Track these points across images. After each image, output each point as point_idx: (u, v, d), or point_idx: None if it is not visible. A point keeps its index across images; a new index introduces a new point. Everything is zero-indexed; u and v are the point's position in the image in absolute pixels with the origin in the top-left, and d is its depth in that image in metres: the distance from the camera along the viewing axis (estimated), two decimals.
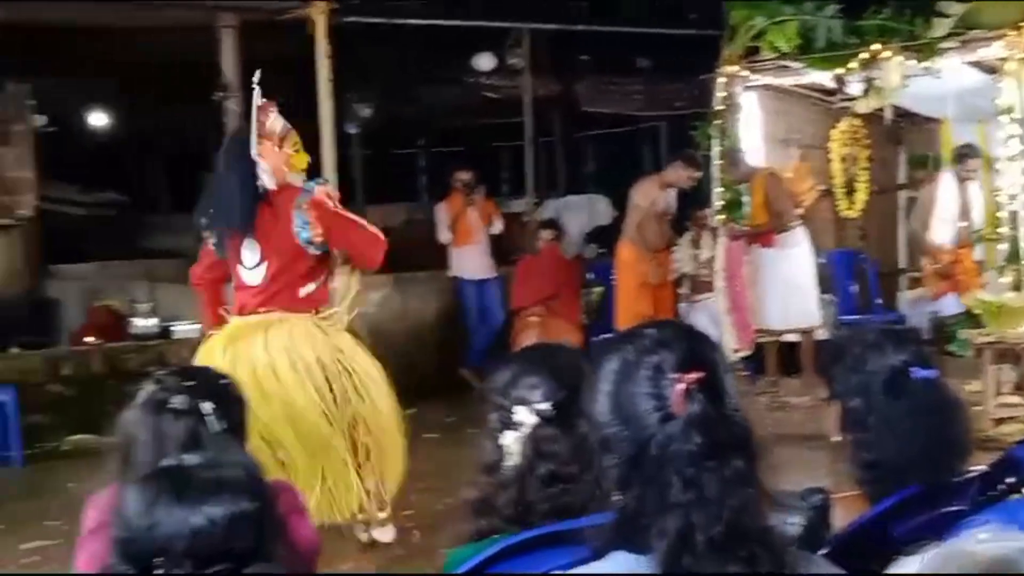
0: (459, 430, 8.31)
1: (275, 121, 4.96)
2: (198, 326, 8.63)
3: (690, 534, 1.52)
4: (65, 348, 8.68)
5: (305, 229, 4.81)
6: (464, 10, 10.56)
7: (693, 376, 1.58)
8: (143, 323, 8.60)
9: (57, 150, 11.35)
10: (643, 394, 1.61)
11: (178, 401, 2.16)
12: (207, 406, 2.17)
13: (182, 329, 8.64)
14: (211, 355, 4.73)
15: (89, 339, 8.57)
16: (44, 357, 8.26)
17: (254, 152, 4.87)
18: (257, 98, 4.93)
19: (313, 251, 4.88)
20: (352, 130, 12.34)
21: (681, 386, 1.57)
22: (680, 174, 8.89)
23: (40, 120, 10.78)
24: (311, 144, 8.90)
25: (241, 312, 4.89)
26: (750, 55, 8.46)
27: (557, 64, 11.88)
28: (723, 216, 8.51)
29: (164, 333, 8.62)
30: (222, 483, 1.51)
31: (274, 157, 4.92)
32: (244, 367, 4.57)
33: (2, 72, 10.31)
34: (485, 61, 11.31)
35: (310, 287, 4.91)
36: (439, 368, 9.83)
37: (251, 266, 4.86)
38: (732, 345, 8.22)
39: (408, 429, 8.34)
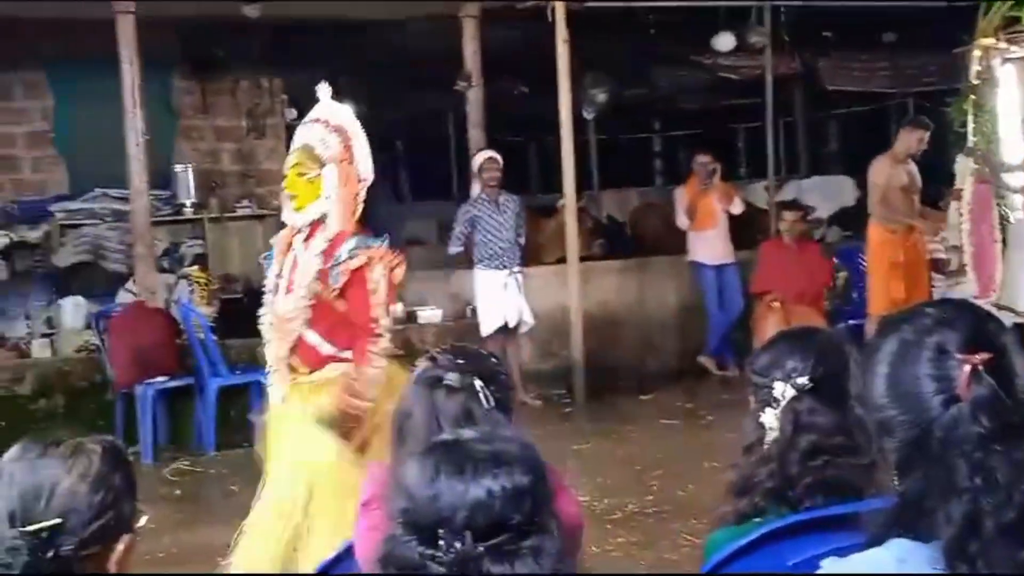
0: (698, 416, 8.25)
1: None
2: (440, 311, 8.86)
3: (979, 520, 1.45)
4: None
5: None
6: None
7: (980, 357, 1.50)
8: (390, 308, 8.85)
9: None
10: (925, 376, 1.54)
11: (452, 378, 2.22)
12: (479, 383, 2.22)
13: (426, 314, 8.86)
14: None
15: None
16: None
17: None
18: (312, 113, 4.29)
19: None
20: (588, 115, 12.37)
21: (967, 367, 1.50)
22: (909, 140, 8.55)
23: (291, 114, 11.27)
24: (550, 130, 9.03)
25: None
26: (1009, 26, 8.00)
27: (799, 41, 11.56)
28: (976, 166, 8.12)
29: (410, 318, 8.86)
30: (499, 456, 1.52)
31: None
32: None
33: (258, 68, 10.85)
34: (725, 41, 11.09)
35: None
36: (677, 354, 9.76)
37: None
38: (972, 294, 7.85)
39: (647, 415, 8.40)
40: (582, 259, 8.82)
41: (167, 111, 10.57)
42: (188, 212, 10.44)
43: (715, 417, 7.92)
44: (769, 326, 8.14)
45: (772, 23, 10.68)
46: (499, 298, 8.44)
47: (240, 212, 10.70)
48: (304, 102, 11.89)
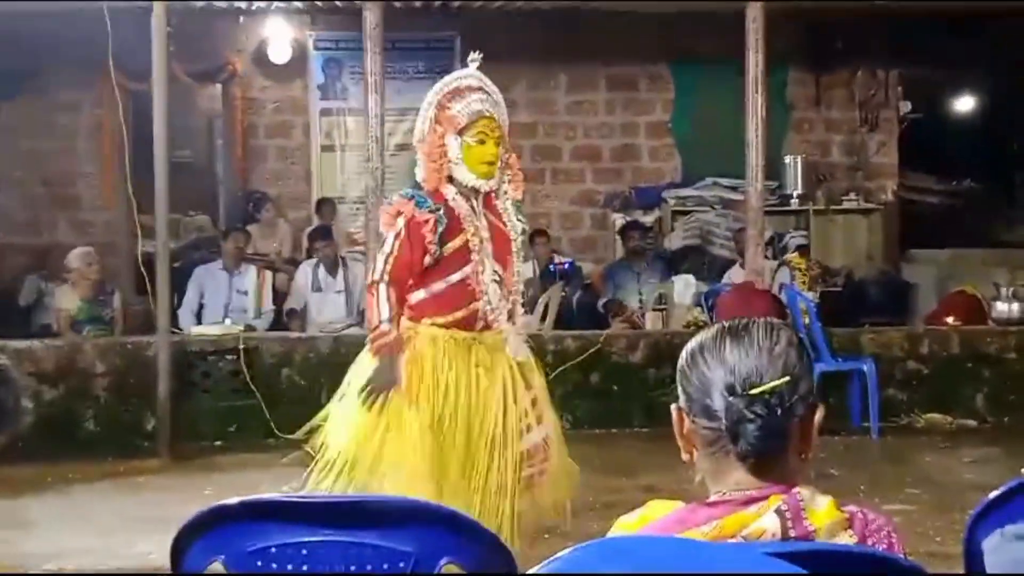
0: None
1: (465, 106, 4.08)
2: None
3: None
4: (923, 327, 8.76)
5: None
6: None
7: None
8: (1005, 308, 8.40)
9: (919, 138, 11.52)
10: None
11: None
12: None
13: None
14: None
15: (948, 320, 8.58)
16: (903, 334, 8.42)
17: (415, 140, 4.21)
18: (464, 79, 4.15)
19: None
20: None
21: None
22: None
23: (906, 107, 11.05)
24: None
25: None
26: None
27: None
28: None
29: None
30: None
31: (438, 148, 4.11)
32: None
33: (876, 60, 10.75)
34: None
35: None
36: None
37: None
38: None
39: None
40: None
41: (780, 104, 10.75)
42: (794, 203, 10.59)
43: None
44: None
45: None
46: None
47: (846, 205, 10.67)
48: (920, 96, 11.70)
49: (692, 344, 1.84)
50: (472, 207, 4.11)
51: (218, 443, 7.76)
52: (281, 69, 10.83)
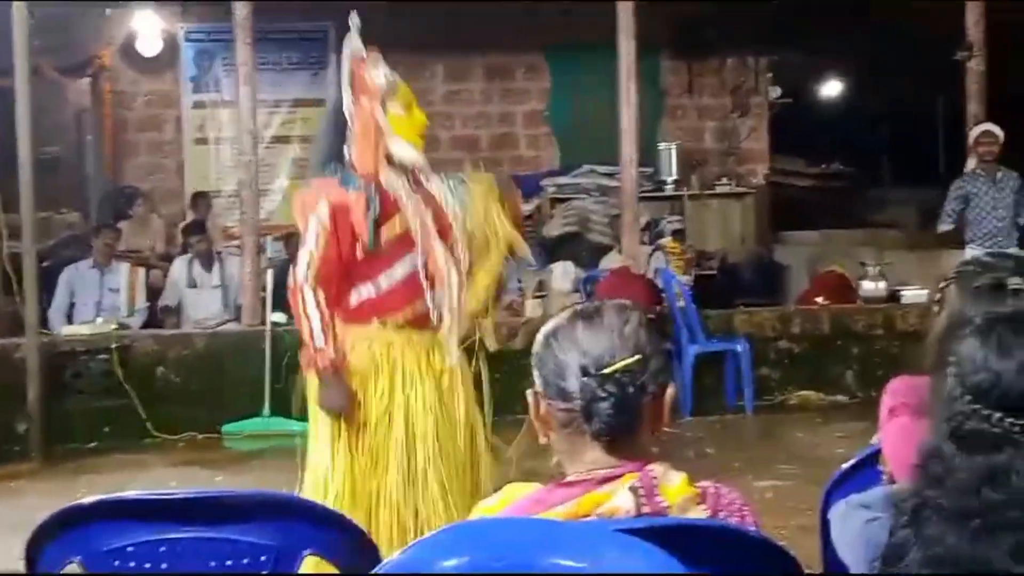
0: None
1: (378, 74, 3.60)
2: (925, 292, 8.53)
3: None
4: (794, 307, 8.97)
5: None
6: None
7: None
8: (872, 287, 8.65)
9: (788, 122, 11.80)
10: None
11: (1017, 281, 2.16)
12: None
13: (911, 294, 8.57)
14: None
15: (818, 300, 8.80)
16: (775, 314, 8.62)
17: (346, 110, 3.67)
18: (354, 46, 3.66)
19: None
20: None
21: None
22: None
23: (775, 92, 11.29)
24: None
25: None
26: None
27: None
28: None
29: (892, 297, 8.62)
30: None
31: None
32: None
33: (746, 47, 10.95)
34: None
35: None
36: None
37: None
38: None
39: None
40: None
41: (654, 91, 10.90)
42: (669, 189, 10.75)
43: None
44: None
45: None
46: None
47: (719, 190, 10.87)
48: (789, 82, 11.95)
49: (546, 328, 1.86)
50: (405, 186, 3.59)
51: (92, 445, 7.58)
52: (151, 62, 10.61)
